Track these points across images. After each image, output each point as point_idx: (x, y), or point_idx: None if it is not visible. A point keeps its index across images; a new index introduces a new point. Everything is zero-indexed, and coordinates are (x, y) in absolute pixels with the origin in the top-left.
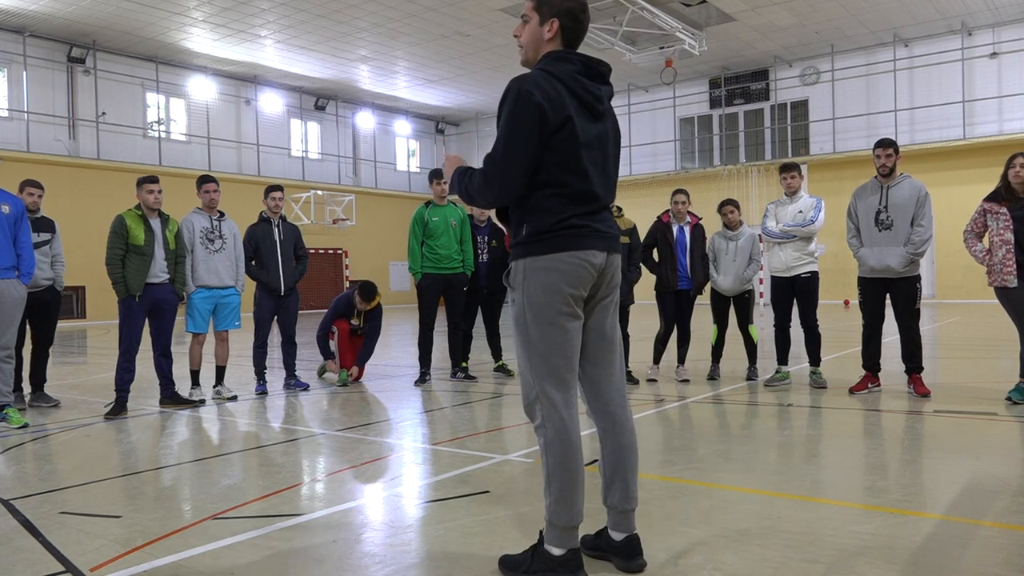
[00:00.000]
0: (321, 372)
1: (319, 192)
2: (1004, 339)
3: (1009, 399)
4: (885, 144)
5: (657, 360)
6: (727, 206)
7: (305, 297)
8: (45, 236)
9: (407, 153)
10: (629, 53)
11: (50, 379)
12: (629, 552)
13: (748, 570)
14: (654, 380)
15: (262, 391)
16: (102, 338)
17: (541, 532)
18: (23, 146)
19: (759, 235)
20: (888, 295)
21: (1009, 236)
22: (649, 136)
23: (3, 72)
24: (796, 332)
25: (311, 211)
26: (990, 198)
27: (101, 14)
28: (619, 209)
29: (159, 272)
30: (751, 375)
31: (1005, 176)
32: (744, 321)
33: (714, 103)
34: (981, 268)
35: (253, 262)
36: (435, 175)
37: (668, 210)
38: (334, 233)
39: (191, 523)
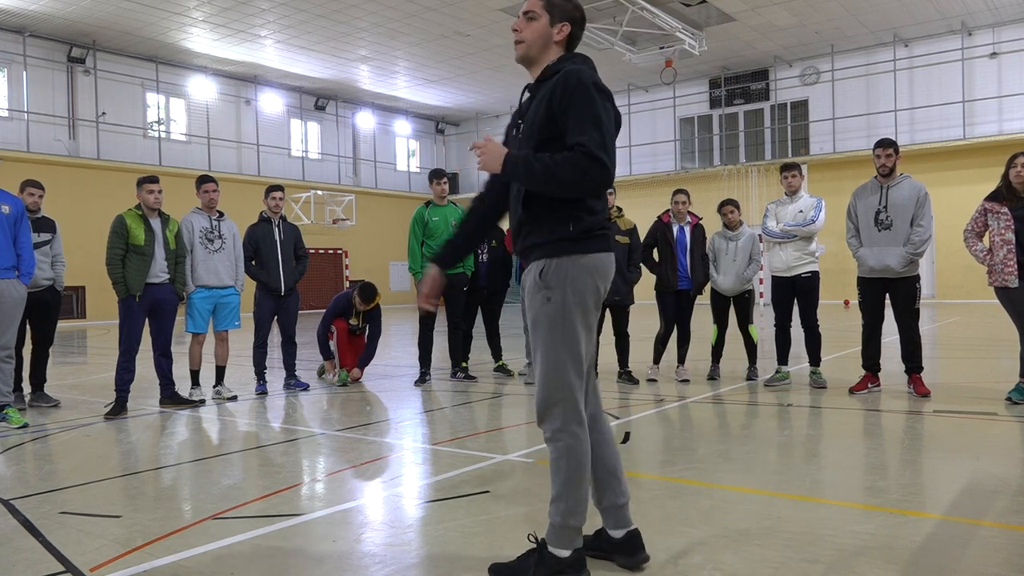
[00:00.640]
0: (321, 372)
1: (319, 192)
2: (1004, 339)
3: (1009, 399)
4: (885, 144)
5: (657, 360)
6: (727, 206)
7: (305, 297)
8: (46, 236)
9: (407, 153)
10: (629, 53)
11: (50, 379)
12: (632, 547)
13: (748, 570)
14: (654, 380)
15: (262, 391)
16: (102, 338)
17: (535, 537)
18: (23, 146)
19: (759, 235)
20: (888, 295)
21: (1010, 236)
22: (649, 136)
23: (3, 72)
24: (796, 332)
25: (311, 211)
26: (991, 197)
27: (101, 14)
28: (619, 209)
29: (159, 272)
30: (751, 375)
31: (1006, 176)
32: (744, 321)
33: (714, 103)
34: (981, 268)
35: (253, 262)
36: (435, 175)
37: (668, 210)
38: (334, 233)
39: (191, 523)
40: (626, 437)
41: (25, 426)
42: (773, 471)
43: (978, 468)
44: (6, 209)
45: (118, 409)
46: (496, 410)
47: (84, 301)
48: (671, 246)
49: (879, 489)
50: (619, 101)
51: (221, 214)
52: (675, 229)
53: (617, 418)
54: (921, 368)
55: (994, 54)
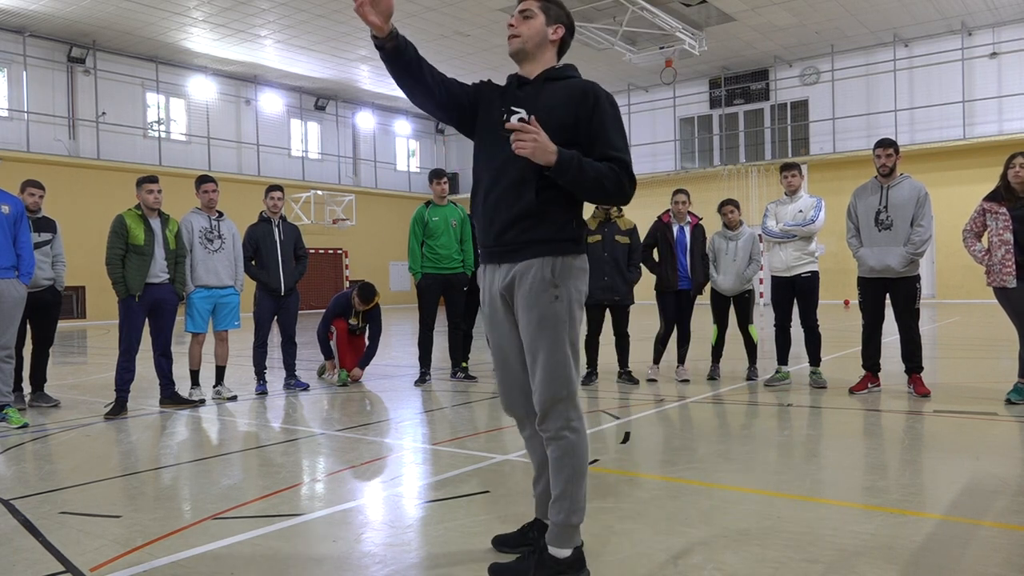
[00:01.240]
0: (321, 372)
1: (319, 192)
2: (1004, 339)
3: (1008, 400)
4: (885, 144)
5: (657, 360)
6: (727, 206)
7: (305, 297)
8: (46, 236)
9: (407, 153)
10: (629, 53)
11: (50, 379)
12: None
13: (748, 570)
14: (654, 380)
15: (262, 391)
16: (102, 338)
17: (534, 535)
18: (23, 146)
19: (759, 235)
20: (888, 295)
21: (1008, 236)
22: (649, 136)
23: (3, 72)
24: (796, 332)
25: (311, 211)
26: (989, 198)
27: (101, 14)
28: (619, 209)
29: (159, 272)
30: (751, 375)
31: (1005, 176)
32: (744, 321)
33: (714, 103)
34: (981, 268)
35: (253, 262)
36: (435, 175)
37: (668, 210)
38: (334, 233)
39: (191, 523)
40: (626, 437)
41: (25, 426)
42: (773, 471)
43: (978, 468)
44: (6, 209)
45: (118, 409)
46: (496, 410)
47: (84, 301)
48: (671, 246)
49: (879, 489)
50: (619, 101)
51: (221, 214)
52: (675, 229)
53: (617, 418)
54: (921, 368)
55: (994, 54)
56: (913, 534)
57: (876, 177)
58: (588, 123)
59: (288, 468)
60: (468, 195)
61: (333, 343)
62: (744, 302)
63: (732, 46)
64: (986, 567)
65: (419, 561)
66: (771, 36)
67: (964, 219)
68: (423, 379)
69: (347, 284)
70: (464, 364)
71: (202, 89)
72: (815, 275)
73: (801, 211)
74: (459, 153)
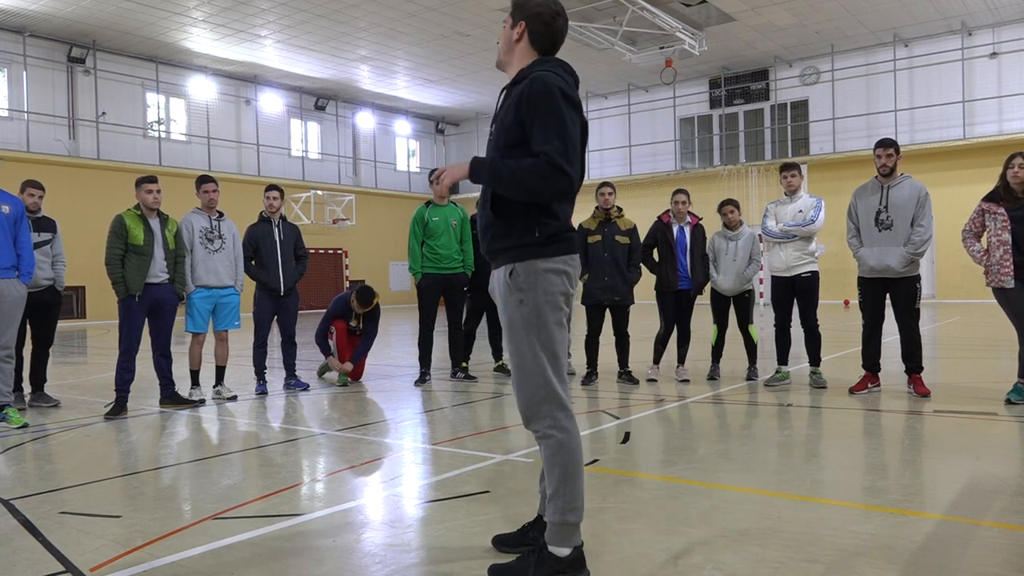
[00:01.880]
0: (321, 372)
1: (319, 192)
2: (1004, 339)
3: (1008, 400)
4: (885, 144)
5: (657, 360)
6: (727, 206)
7: (305, 297)
8: (46, 236)
9: (407, 153)
10: (629, 53)
11: (50, 379)
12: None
13: (748, 570)
14: (654, 380)
15: (262, 391)
16: (102, 338)
17: (534, 535)
18: (23, 146)
19: (759, 235)
20: (888, 295)
21: (1007, 236)
22: (649, 136)
23: (3, 72)
24: (796, 332)
25: (311, 211)
26: (988, 198)
27: (101, 14)
28: (619, 209)
29: (159, 272)
30: (751, 375)
31: (1004, 176)
32: (744, 321)
33: (714, 103)
34: (981, 268)
35: (253, 262)
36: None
37: (668, 210)
38: (334, 233)
39: (191, 523)
40: (626, 437)
41: (25, 426)
42: (773, 471)
43: (978, 468)
44: (6, 209)
45: (118, 409)
46: (496, 410)
47: (84, 301)
48: (671, 246)
49: (879, 489)
50: (619, 101)
51: (221, 214)
52: (675, 229)
53: (617, 418)
54: (921, 368)
55: (994, 54)
56: (913, 534)
57: (876, 177)
58: (529, 121)
59: (288, 468)
60: (468, 195)
61: (333, 342)
62: (744, 302)
63: (732, 46)
64: (986, 567)
65: (419, 561)
66: (771, 36)
67: (964, 219)
68: (423, 379)
69: (347, 284)
70: (464, 364)
71: (202, 89)
72: (815, 275)
73: (801, 211)
74: (459, 153)
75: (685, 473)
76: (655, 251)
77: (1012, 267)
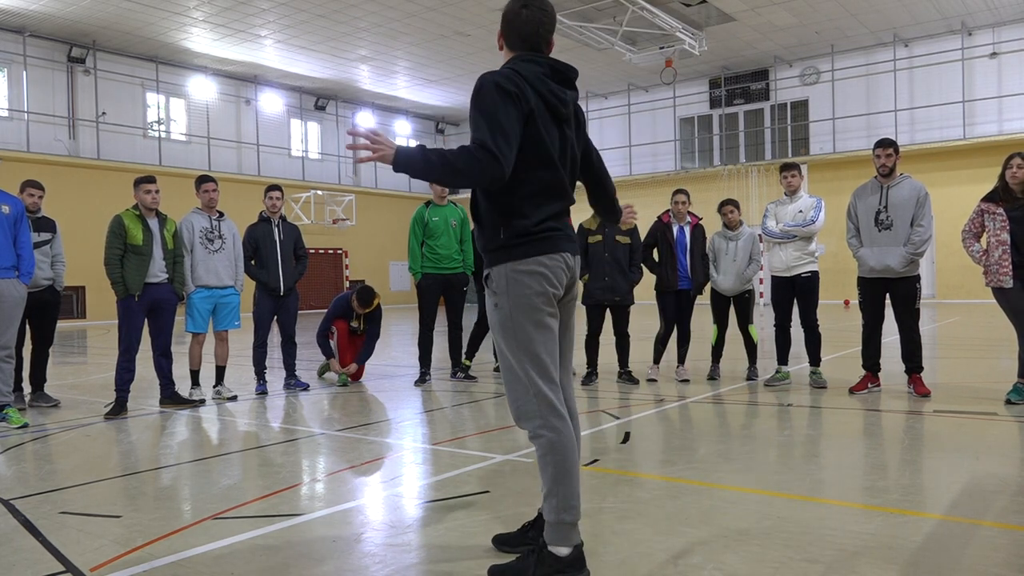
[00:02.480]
0: (321, 372)
1: (319, 192)
2: (1004, 339)
3: (1008, 400)
4: (885, 144)
5: (657, 360)
6: (727, 206)
7: (305, 297)
8: (46, 236)
9: None
10: (629, 53)
11: (50, 379)
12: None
13: (748, 570)
14: (654, 380)
15: (262, 391)
16: (102, 338)
17: (534, 534)
18: (23, 146)
19: (759, 235)
20: (888, 295)
21: (1005, 236)
22: (649, 136)
23: (3, 72)
24: (796, 332)
25: (311, 211)
26: (987, 198)
27: (101, 14)
28: None
29: (158, 272)
30: (751, 375)
31: (1003, 176)
32: (744, 321)
33: (714, 103)
34: (980, 268)
35: (253, 262)
36: None
37: (668, 210)
38: (334, 233)
39: (191, 523)
40: (626, 437)
41: (25, 426)
42: (773, 471)
43: (978, 468)
44: (6, 209)
45: (118, 409)
46: (497, 410)
47: (84, 301)
48: (671, 246)
49: (879, 489)
50: (619, 101)
51: (221, 214)
52: (675, 229)
53: (617, 418)
54: (921, 368)
55: (994, 54)
56: (913, 534)
57: (876, 177)
58: (471, 117)
59: (288, 468)
60: (468, 195)
61: (334, 343)
62: (744, 302)
63: (732, 46)
64: (986, 567)
65: (419, 561)
66: (771, 36)
67: (964, 219)
68: (423, 379)
69: (347, 284)
70: (467, 363)
71: (202, 89)
72: (815, 275)
73: (801, 211)
74: None
75: (685, 473)
76: (655, 251)
77: (1011, 267)
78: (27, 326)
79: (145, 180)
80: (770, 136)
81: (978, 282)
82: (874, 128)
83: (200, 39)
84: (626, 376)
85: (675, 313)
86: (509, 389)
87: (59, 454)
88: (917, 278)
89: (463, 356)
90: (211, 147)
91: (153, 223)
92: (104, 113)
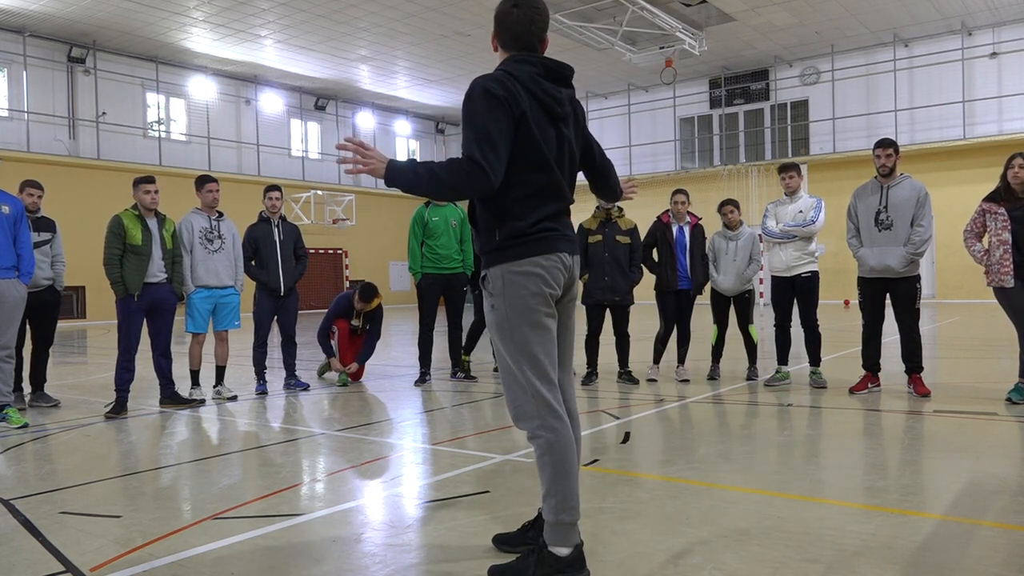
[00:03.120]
0: (321, 372)
1: (319, 192)
2: (1004, 339)
3: (1009, 399)
4: (885, 144)
5: (657, 360)
6: (727, 206)
7: (305, 297)
8: (45, 236)
9: (407, 153)
10: (629, 53)
11: (50, 379)
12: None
13: (748, 570)
14: (654, 380)
15: (262, 391)
16: (102, 338)
17: (534, 534)
18: (23, 146)
19: (759, 235)
20: (888, 295)
21: (1007, 236)
22: (649, 136)
23: (3, 72)
24: (796, 332)
25: (311, 211)
26: (989, 198)
27: (101, 14)
28: (620, 209)
29: (157, 272)
30: (751, 375)
31: (1004, 176)
32: (744, 321)
33: (714, 103)
34: (981, 268)
35: (253, 262)
36: None
37: (668, 210)
38: (334, 233)
39: (191, 523)
40: (626, 437)
41: (25, 426)
42: (773, 471)
43: (978, 468)
44: (6, 209)
45: (118, 409)
46: (496, 410)
47: (84, 301)
48: (671, 246)
49: (879, 489)
50: (619, 101)
51: (221, 214)
52: (675, 229)
53: (617, 418)
54: (921, 368)
55: (994, 54)
56: (913, 534)
57: (876, 177)
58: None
59: (288, 468)
60: None
61: (334, 342)
62: (744, 302)
63: (732, 46)
64: (986, 567)
65: (419, 561)
66: (771, 36)
67: (964, 219)
68: (423, 379)
69: (347, 284)
70: (466, 360)
71: (202, 89)
72: (815, 275)
73: (801, 211)
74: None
75: (685, 473)
76: (655, 251)
77: (1012, 267)
78: (27, 326)
79: (144, 180)
80: (770, 136)
81: (978, 282)
82: (874, 128)
83: (200, 39)
84: (626, 376)
85: (675, 313)
86: (507, 390)
87: (59, 454)
88: (917, 278)
89: (462, 353)
90: (211, 147)
91: (152, 223)
92: (104, 113)
